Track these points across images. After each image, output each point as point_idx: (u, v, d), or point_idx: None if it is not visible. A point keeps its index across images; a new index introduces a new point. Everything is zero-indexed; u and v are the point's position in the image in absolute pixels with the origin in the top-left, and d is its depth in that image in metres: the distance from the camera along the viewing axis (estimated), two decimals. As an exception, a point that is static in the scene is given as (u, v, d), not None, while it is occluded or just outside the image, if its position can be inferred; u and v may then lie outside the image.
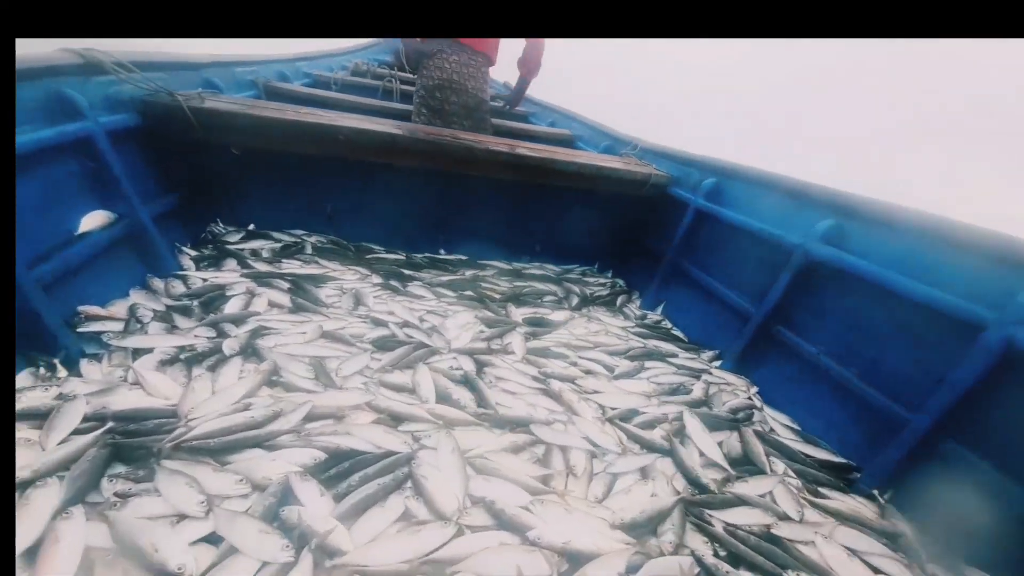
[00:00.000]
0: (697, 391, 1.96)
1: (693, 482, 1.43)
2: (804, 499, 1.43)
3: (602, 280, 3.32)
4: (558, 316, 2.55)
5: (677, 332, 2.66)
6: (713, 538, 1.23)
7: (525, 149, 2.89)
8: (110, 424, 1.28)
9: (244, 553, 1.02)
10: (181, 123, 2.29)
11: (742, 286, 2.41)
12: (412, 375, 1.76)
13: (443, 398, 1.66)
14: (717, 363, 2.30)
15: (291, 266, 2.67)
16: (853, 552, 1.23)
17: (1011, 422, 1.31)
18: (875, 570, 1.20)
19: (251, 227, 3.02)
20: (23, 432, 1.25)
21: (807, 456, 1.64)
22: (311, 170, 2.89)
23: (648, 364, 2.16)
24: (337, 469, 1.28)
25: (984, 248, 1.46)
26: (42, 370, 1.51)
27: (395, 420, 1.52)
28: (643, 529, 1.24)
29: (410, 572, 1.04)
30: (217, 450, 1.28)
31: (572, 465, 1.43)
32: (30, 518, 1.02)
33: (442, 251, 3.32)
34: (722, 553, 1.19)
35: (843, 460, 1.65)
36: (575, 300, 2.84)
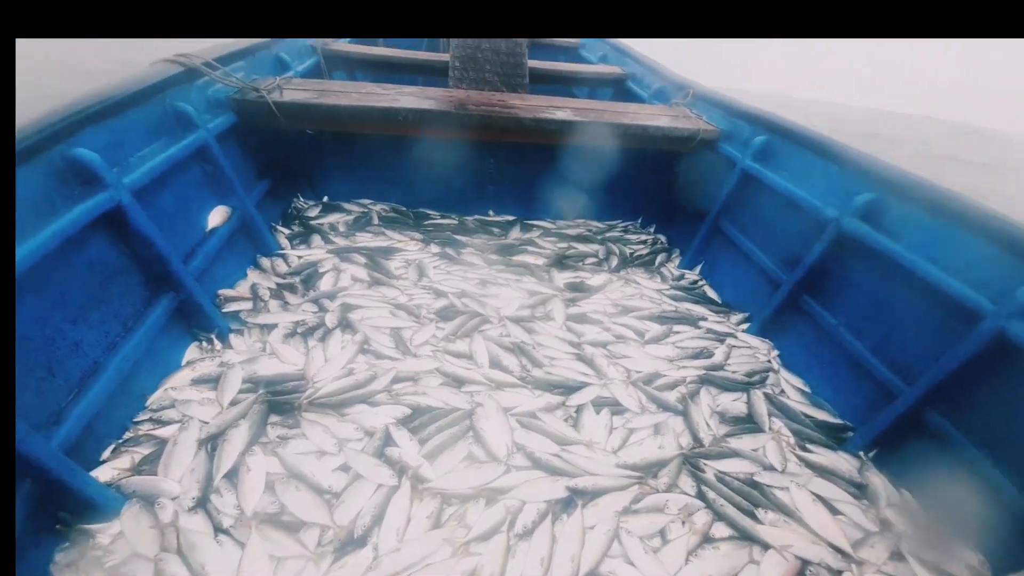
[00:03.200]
0: (718, 355, 2.21)
1: (696, 438, 1.76)
2: (793, 454, 1.72)
3: (644, 236, 3.47)
4: (597, 280, 2.82)
5: (712, 292, 2.84)
6: (702, 481, 1.58)
7: (571, 111, 2.97)
8: (261, 391, 1.81)
9: (366, 478, 1.53)
10: (267, 115, 2.68)
11: (777, 252, 2.51)
12: (470, 343, 2.17)
13: (495, 363, 2.07)
14: (745, 326, 2.50)
15: (363, 239, 3.12)
16: (819, 498, 1.53)
17: (992, 405, 1.48)
18: (835, 512, 1.51)
19: (325, 199, 3.49)
20: (205, 393, 1.82)
21: (807, 416, 1.89)
22: (372, 144, 3.25)
23: (677, 328, 2.41)
24: (420, 421, 1.76)
25: (1002, 237, 1.52)
26: (204, 344, 2.08)
27: (458, 382, 1.96)
28: (647, 473, 1.61)
29: (475, 495, 1.50)
30: (337, 404, 1.79)
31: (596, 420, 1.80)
32: (229, 452, 1.57)
33: (491, 212, 3.61)
34: (708, 494, 1.54)
35: (840, 421, 1.89)
36: (615, 261, 3.06)
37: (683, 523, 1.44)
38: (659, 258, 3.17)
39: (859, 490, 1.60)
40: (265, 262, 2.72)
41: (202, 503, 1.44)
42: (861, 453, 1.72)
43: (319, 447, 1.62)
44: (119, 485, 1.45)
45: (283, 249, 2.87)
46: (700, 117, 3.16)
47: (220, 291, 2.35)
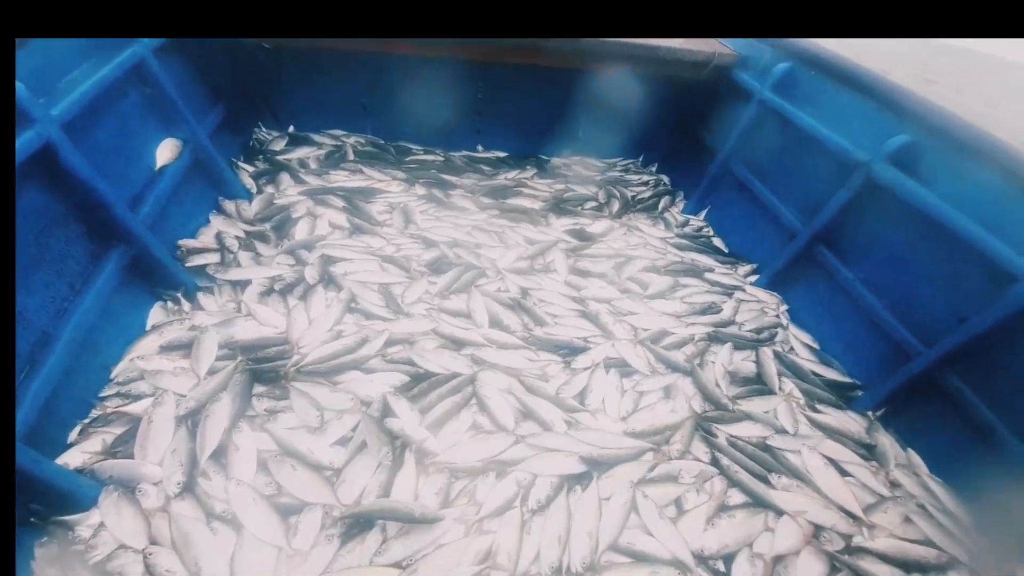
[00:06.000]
0: (727, 311, 2.13)
1: (709, 400, 1.72)
2: (804, 415, 1.70)
3: (646, 177, 3.24)
4: (598, 227, 2.63)
5: (718, 241, 2.70)
6: (715, 447, 1.55)
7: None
8: (241, 358, 1.64)
9: (367, 453, 1.43)
10: None
11: (794, 198, 2.33)
12: (467, 300, 2.01)
13: (494, 322, 1.93)
14: (753, 278, 2.40)
15: (339, 177, 2.79)
16: (831, 460, 1.54)
17: (1016, 370, 1.44)
18: (845, 474, 1.52)
19: (291, 129, 3.07)
20: (177, 362, 1.64)
21: (816, 375, 1.86)
22: (343, 64, 2.79)
23: (683, 280, 2.30)
24: (419, 388, 1.64)
25: None
26: (169, 304, 1.86)
27: (456, 344, 1.83)
28: (659, 437, 1.57)
29: (484, 468, 1.44)
30: (327, 372, 1.65)
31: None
32: (213, 429, 1.43)
33: (479, 147, 3.27)
34: (721, 460, 1.52)
35: (849, 380, 1.87)
36: (616, 206, 2.86)
37: (698, 491, 1.42)
38: (662, 202, 2.97)
39: (867, 451, 1.61)
40: (229, 205, 2.41)
41: (189, 487, 1.32)
42: (869, 413, 1.72)
43: (312, 420, 1.49)
44: (92, 470, 1.31)
45: (248, 189, 2.54)
46: (715, 39, 2.81)
47: (180, 241, 2.07)
